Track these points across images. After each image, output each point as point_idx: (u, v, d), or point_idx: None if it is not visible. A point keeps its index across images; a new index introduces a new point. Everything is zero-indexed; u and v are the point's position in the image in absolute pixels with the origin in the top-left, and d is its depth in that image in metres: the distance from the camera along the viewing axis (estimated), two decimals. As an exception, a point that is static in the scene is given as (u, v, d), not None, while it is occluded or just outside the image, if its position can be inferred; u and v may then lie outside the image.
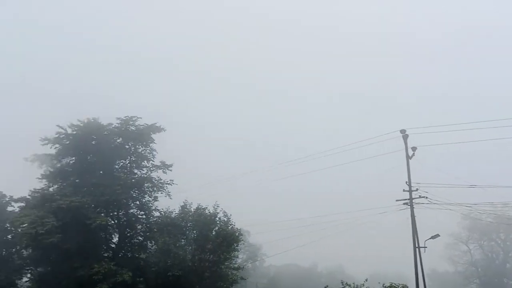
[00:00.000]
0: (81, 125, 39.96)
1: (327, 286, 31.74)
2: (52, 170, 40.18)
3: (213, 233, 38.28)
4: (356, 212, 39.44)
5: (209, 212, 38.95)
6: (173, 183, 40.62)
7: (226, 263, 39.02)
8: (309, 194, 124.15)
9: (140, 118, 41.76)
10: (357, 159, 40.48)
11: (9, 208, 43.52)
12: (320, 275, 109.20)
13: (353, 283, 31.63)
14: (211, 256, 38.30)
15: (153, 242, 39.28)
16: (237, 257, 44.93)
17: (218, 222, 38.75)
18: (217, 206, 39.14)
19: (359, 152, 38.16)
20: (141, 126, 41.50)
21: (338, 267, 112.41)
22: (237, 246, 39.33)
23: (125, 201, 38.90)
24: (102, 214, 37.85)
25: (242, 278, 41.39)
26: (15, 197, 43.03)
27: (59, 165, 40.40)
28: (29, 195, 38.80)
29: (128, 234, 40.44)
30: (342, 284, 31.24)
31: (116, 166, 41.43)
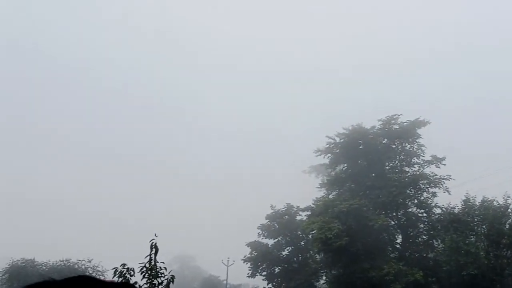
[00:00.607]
0: (347, 132, 41.70)
1: None
2: (328, 178, 43.10)
3: (507, 227, 34.10)
4: None
5: (498, 204, 34.94)
6: (450, 178, 38.43)
7: (529, 259, 34.15)
8: None
9: (401, 115, 41.24)
10: None
11: (298, 218, 48.44)
12: None
13: None
14: (509, 252, 34.17)
15: (438, 240, 37.59)
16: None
17: (511, 214, 34.40)
18: (508, 197, 34.84)
19: None
20: (404, 123, 40.90)
21: None
22: (540, 240, 33.99)
23: (401, 200, 38.52)
24: (382, 215, 38.27)
25: (554, 276, 35.52)
26: (301, 206, 47.85)
27: (333, 173, 43.12)
28: (312, 204, 42.31)
29: (411, 234, 39.74)
30: None
31: (387, 167, 41.62)
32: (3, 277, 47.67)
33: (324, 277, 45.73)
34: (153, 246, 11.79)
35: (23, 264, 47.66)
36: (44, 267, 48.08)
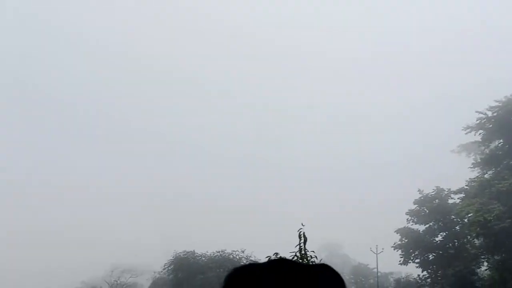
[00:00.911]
0: (500, 105, 37.88)
1: None
2: (482, 157, 39.67)
3: None
4: None
5: None
6: None
7: None
8: None
9: None
10: None
11: (450, 201, 45.26)
12: None
13: None
14: None
15: None
16: None
17: None
18: None
19: None
20: None
21: None
22: None
23: None
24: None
25: None
26: (452, 189, 44.60)
27: (487, 150, 39.54)
28: (466, 185, 39.31)
29: None
30: None
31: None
32: (169, 268, 52.99)
33: (485, 263, 42.10)
34: (302, 235, 11.95)
35: (185, 256, 52.33)
36: (203, 258, 52.19)
